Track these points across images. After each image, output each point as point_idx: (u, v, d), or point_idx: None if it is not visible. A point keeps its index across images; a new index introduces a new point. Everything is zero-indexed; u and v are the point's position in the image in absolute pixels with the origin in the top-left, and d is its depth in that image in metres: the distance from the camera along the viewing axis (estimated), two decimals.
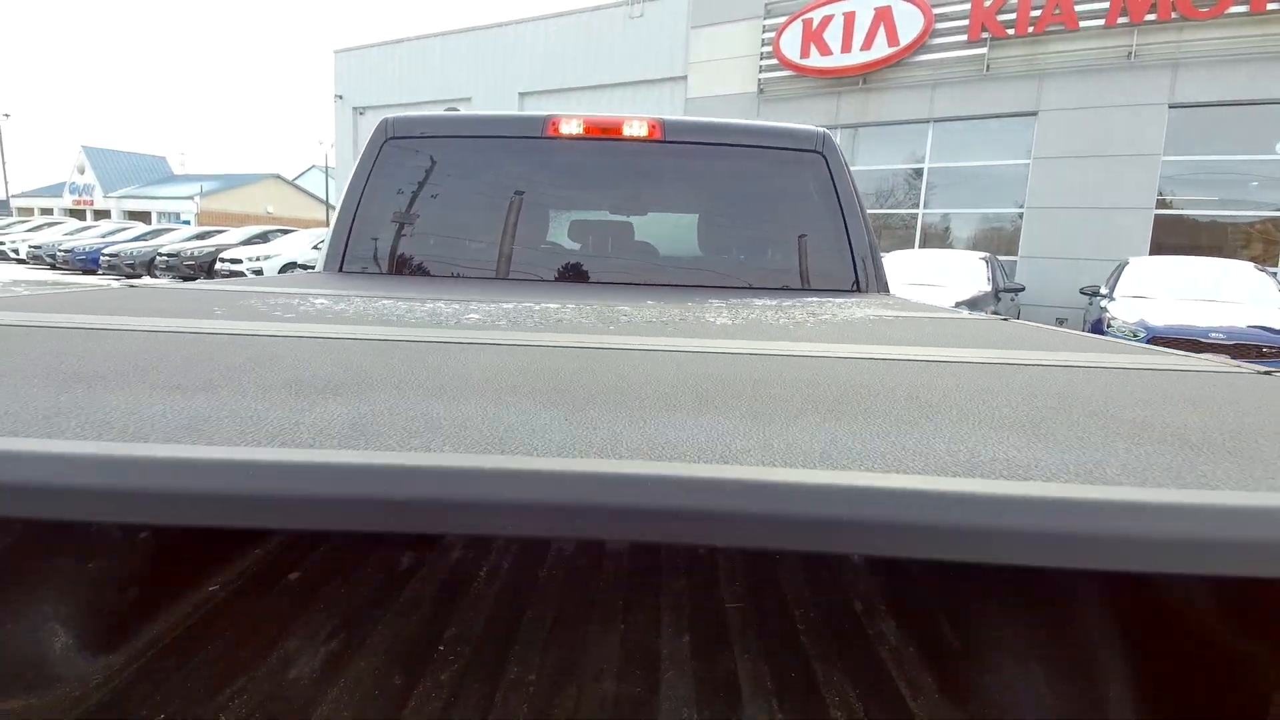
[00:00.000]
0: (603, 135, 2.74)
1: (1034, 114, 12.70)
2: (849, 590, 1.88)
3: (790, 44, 14.55)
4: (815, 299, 2.15)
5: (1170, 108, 11.60)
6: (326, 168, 34.48)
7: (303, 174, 58.83)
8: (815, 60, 14.35)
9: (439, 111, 2.91)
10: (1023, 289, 10.51)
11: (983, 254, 10.42)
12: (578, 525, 0.38)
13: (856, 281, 2.64)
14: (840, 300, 2.16)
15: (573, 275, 2.74)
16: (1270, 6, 10.67)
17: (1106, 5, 11.71)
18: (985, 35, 12.75)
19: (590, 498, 0.37)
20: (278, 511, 0.39)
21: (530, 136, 2.78)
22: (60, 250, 22.16)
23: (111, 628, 1.49)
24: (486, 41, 19.83)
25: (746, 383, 0.76)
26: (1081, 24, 11.95)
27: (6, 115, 48.70)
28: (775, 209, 2.78)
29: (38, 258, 23.19)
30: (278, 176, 55.21)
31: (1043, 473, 0.44)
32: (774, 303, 1.98)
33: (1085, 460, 0.48)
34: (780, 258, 2.79)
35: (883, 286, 2.72)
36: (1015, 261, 13.04)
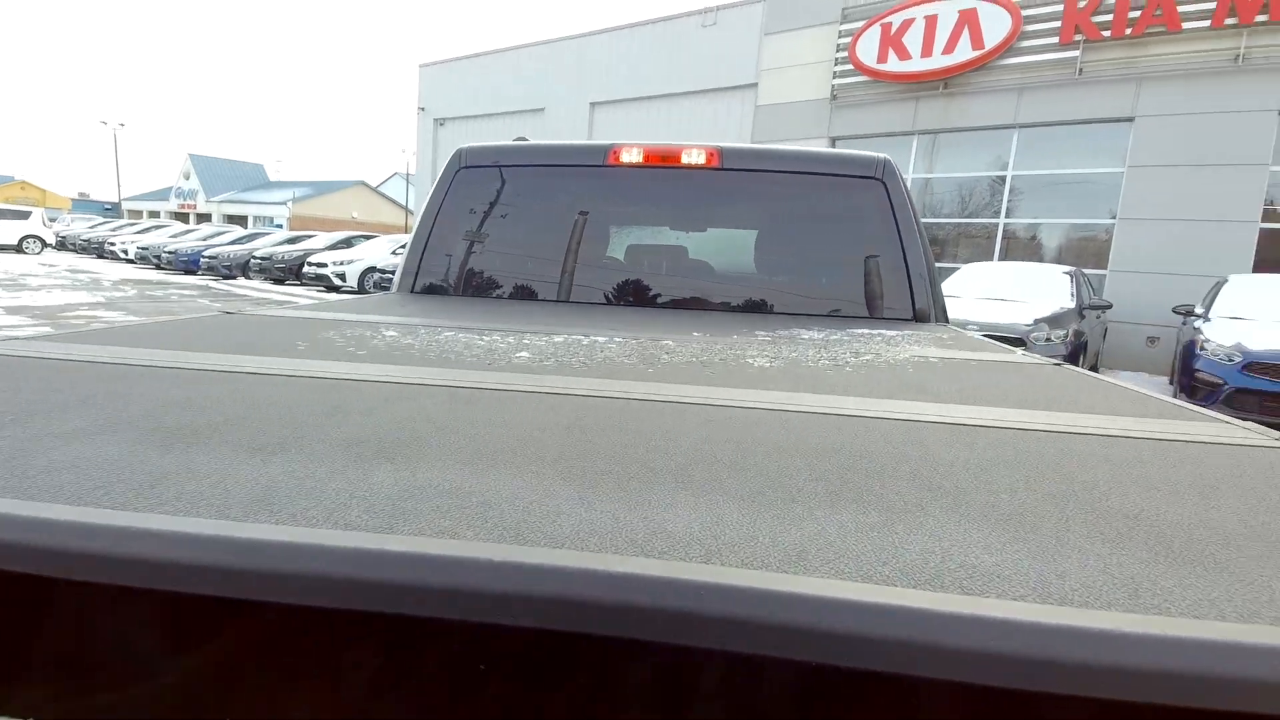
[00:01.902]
0: (661, 164, 2.82)
1: (1130, 120, 12.01)
2: None
3: (867, 49, 14.26)
4: (865, 332, 2.15)
5: None
6: (408, 175, 36.02)
7: (385, 181, 61.67)
8: (893, 65, 14.01)
9: (509, 142, 3.05)
10: (1109, 306, 9.93)
11: (1067, 268, 9.89)
12: (553, 617, 0.45)
13: (914, 309, 2.62)
14: (891, 334, 2.15)
15: (631, 298, 2.82)
16: None
17: (1213, 5, 10.94)
18: (1079, 38, 12.14)
19: (571, 592, 0.45)
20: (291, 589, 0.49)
21: (592, 165, 2.88)
22: (165, 252, 24.02)
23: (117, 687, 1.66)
24: (561, 53, 20.30)
25: (762, 451, 0.81)
26: (1185, 25, 11.21)
27: (121, 125, 53.44)
28: (833, 237, 2.79)
29: (145, 258, 25.18)
30: (363, 183, 58.11)
31: (997, 586, 0.48)
32: (821, 336, 2.00)
33: (1048, 571, 0.51)
34: (837, 286, 2.79)
35: (940, 313, 2.69)
36: (1104, 276, 12.34)
